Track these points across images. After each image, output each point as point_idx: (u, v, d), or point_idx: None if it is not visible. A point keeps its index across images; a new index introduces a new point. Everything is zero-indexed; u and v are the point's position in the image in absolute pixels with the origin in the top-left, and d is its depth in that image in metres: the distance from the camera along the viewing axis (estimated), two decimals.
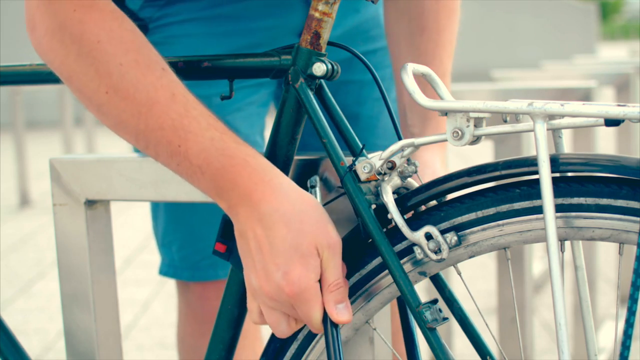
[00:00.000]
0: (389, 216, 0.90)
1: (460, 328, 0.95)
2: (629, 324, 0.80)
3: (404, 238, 0.91)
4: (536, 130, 0.82)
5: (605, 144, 3.13)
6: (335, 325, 0.91)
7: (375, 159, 0.91)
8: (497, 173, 0.86)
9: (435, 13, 1.23)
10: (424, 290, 2.35)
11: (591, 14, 13.74)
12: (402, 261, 0.91)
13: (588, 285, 1.06)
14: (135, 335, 3.06)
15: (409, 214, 0.92)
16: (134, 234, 4.64)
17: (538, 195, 0.85)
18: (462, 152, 6.33)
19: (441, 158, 1.21)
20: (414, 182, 0.95)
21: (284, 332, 0.93)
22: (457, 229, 0.88)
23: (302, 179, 1.00)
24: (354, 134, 0.97)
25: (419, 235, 0.89)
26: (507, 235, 0.87)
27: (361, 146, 0.95)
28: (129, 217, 5.08)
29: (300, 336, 0.98)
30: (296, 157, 1.00)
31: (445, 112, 0.86)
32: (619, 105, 0.78)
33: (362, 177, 0.92)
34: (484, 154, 3.76)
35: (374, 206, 0.92)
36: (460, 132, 0.86)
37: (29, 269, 4.02)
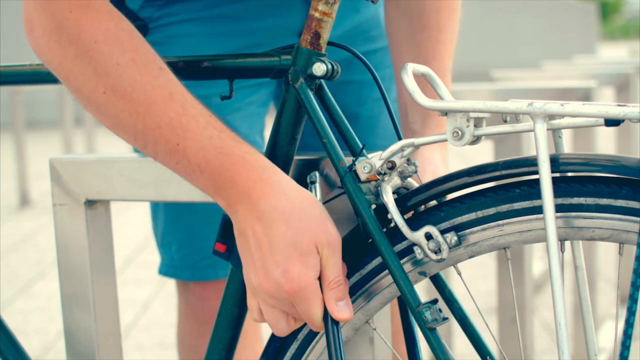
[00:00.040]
0: (389, 216, 0.90)
1: (460, 328, 0.95)
2: (629, 324, 0.80)
3: (404, 238, 0.91)
4: (536, 130, 0.82)
5: (605, 144, 3.13)
6: (336, 323, 0.91)
7: (375, 159, 0.91)
8: (497, 173, 0.86)
9: (436, 12, 1.23)
10: (424, 290, 2.34)
11: (591, 14, 13.74)
12: (402, 261, 0.91)
13: (588, 285, 1.06)
14: (135, 335, 3.06)
15: (409, 214, 0.92)
16: (134, 234, 4.64)
17: (538, 195, 0.85)
18: (462, 152, 6.33)
19: (442, 154, 1.22)
20: (414, 182, 0.95)
21: (282, 331, 0.93)
22: (457, 229, 0.88)
23: (302, 179, 1.00)
24: (354, 134, 0.97)
25: (419, 235, 0.89)
26: (507, 235, 0.87)
27: (361, 146, 0.95)
28: (129, 217, 5.08)
29: (300, 336, 0.98)
30: (296, 157, 1.00)
31: (445, 112, 0.86)
32: (619, 105, 0.78)
33: (362, 177, 0.92)
34: (484, 154, 3.76)
35: (374, 206, 0.92)
36: (460, 132, 0.86)
37: (29, 269, 4.02)
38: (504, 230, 0.87)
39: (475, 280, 3.46)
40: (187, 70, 1.02)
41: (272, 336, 1.00)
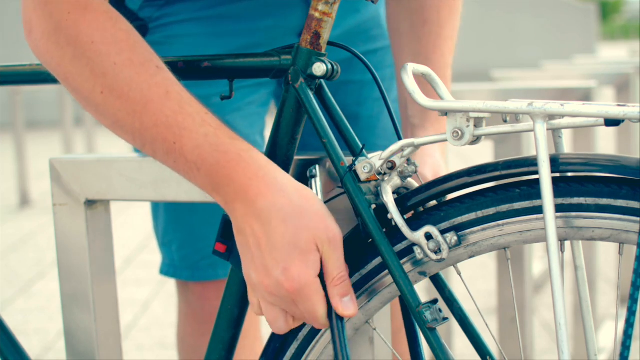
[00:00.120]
0: (389, 216, 0.90)
1: (460, 328, 0.95)
2: (629, 324, 0.80)
3: (404, 238, 0.91)
4: (536, 130, 0.82)
5: (605, 144, 3.13)
6: (340, 319, 0.91)
7: (375, 159, 0.92)
8: (497, 173, 0.86)
9: (437, 9, 1.25)
10: (424, 290, 2.35)
11: (591, 14, 13.74)
12: (402, 261, 0.91)
13: (588, 285, 1.06)
14: (135, 335, 3.06)
15: (409, 214, 0.92)
16: (134, 234, 4.64)
17: (538, 195, 0.85)
18: (462, 152, 6.33)
19: (441, 149, 1.22)
20: (414, 182, 0.95)
21: (281, 329, 0.93)
22: (457, 229, 0.88)
23: (302, 179, 1.00)
24: (354, 134, 0.97)
25: (419, 235, 0.89)
26: (507, 235, 0.87)
27: (361, 146, 0.95)
28: (129, 217, 5.08)
29: (300, 336, 0.98)
30: (296, 157, 1.00)
31: (445, 112, 0.86)
32: (619, 105, 0.78)
33: (362, 177, 0.92)
34: (484, 154, 3.76)
35: (374, 206, 0.91)
36: (460, 132, 0.86)
37: (29, 269, 4.02)
38: (504, 230, 0.87)
39: (475, 280, 3.46)
40: (187, 70, 1.02)
41: (272, 336, 1.00)
